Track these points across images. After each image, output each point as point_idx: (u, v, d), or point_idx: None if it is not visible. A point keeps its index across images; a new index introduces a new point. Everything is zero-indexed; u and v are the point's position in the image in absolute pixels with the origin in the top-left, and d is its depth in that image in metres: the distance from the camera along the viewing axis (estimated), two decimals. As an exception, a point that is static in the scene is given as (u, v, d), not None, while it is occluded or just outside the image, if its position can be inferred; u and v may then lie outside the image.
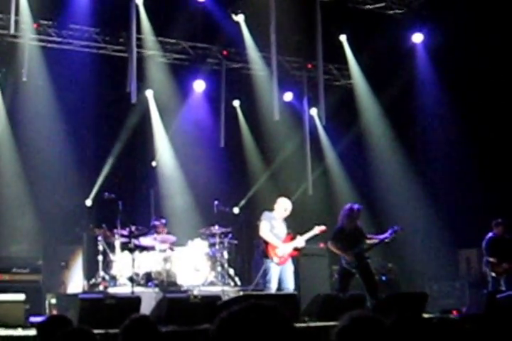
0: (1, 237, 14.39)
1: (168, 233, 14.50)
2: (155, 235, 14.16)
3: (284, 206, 12.62)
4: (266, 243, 12.38)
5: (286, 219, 12.82)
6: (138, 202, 16.32)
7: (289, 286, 12.18)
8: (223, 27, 16.18)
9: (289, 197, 13.04)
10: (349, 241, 12.24)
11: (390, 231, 12.48)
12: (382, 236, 12.53)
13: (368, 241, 12.40)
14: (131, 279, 12.77)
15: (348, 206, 12.54)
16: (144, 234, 14.11)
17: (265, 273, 12.28)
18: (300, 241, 12.51)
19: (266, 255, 12.31)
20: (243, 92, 17.88)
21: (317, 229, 12.66)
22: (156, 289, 13.16)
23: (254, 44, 16.60)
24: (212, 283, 13.84)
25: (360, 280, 12.56)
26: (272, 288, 12.08)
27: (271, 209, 12.65)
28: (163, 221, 14.57)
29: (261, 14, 15.18)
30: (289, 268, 12.40)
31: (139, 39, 15.42)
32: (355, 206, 12.46)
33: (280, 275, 12.26)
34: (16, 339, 8.59)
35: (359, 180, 17.73)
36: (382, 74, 17.03)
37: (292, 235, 12.56)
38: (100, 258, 13.68)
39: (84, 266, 14.55)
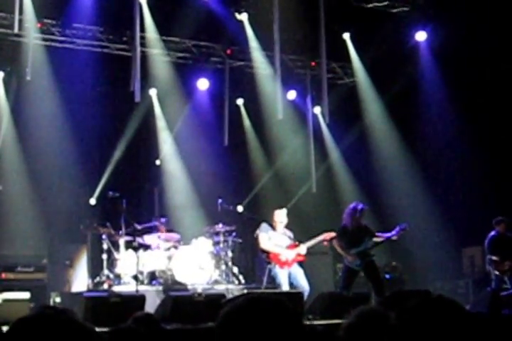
0: (6, 236, 14.42)
1: (171, 231, 14.51)
2: (159, 233, 14.19)
3: (278, 219, 12.71)
4: (268, 252, 12.45)
5: (290, 218, 12.87)
6: (142, 201, 16.35)
7: (305, 289, 12.12)
8: (227, 26, 16.18)
9: (281, 207, 13.09)
10: (352, 240, 12.32)
11: (397, 229, 12.53)
12: (388, 234, 12.58)
13: (374, 239, 12.45)
14: (135, 277, 12.79)
15: (352, 205, 12.60)
16: (148, 233, 14.14)
17: (273, 279, 12.30)
18: (302, 249, 12.57)
19: (269, 261, 12.36)
20: (247, 91, 17.89)
21: (323, 236, 12.67)
22: (161, 287, 13.18)
23: (257, 42, 16.60)
24: (216, 282, 13.86)
25: (365, 278, 12.64)
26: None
27: (269, 222, 12.74)
28: (163, 220, 14.55)
29: (264, 13, 15.19)
30: (298, 271, 12.40)
31: (142, 38, 15.43)
32: (359, 206, 12.51)
33: (291, 279, 12.28)
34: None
35: (363, 178, 17.75)
36: (386, 72, 17.01)
37: (297, 243, 12.62)
38: (104, 256, 13.70)
39: (88, 264, 14.57)
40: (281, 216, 12.71)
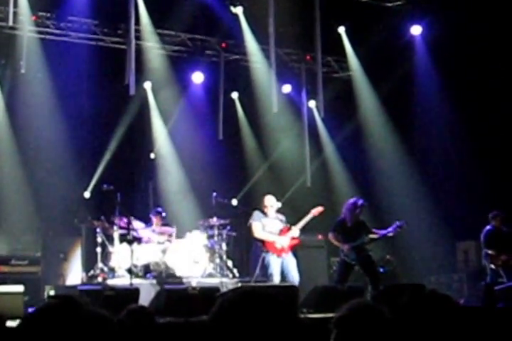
0: (0, 229, 14.40)
1: (166, 225, 14.48)
2: (153, 227, 14.18)
3: (268, 203, 12.67)
4: (262, 241, 12.44)
5: (285, 211, 12.87)
6: (136, 194, 16.34)
7: (295, 279, 12.15)
8: (222, 19, 16.15)
9: (273, 195, 13.07)
10: (349, 235, 12.35)
11: (394, 226, 12.57)
12: (385, 231, 12.61)
13: (370, 235, 12.47)
14: (129, 271, 12.76)
15: (352, 200, 12.62)
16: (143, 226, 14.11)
17: (266, 268, 12.30)
18: (295, 231, 12.55)
19: (265, 250, 12.34)
20: (242, 84, 17.86)
21: (312, 213, 12.70)
22: (155, 281, 13.17)
23: (252, 36, 16.56)
24: (210, 275, 13.86)
25: (360, 272, 12.65)
26: (276, 281, 12.08)
27: (261, 209, 12.71)
28: (163, 214, 14.53)
29: (259, 6, 15.17)
30: (291, 261, 12.40)
31: (137, 31, 15.39)
32: (360, 201, 12.52)
33: (282, 269, 12.27)
34: (15, 331, 8.58)
35: (357, 171, 17.75)
36: (381, 66, 17.01)
37: (288, 227, 12.60)
38: (99, 250, 13.67)
39: (83, 257, 14.56)
40: (271, 200, 12.69)
